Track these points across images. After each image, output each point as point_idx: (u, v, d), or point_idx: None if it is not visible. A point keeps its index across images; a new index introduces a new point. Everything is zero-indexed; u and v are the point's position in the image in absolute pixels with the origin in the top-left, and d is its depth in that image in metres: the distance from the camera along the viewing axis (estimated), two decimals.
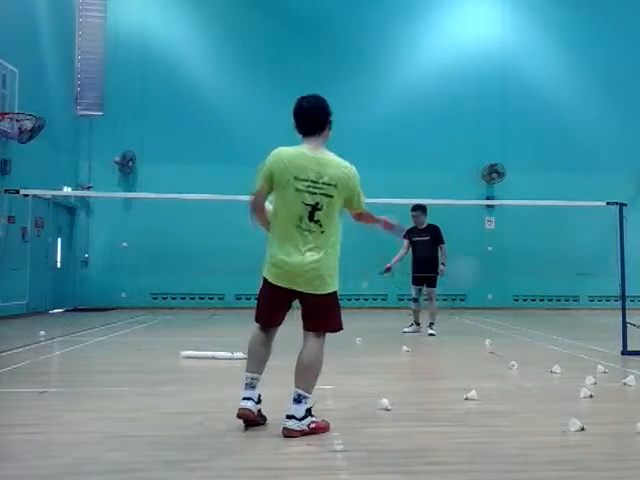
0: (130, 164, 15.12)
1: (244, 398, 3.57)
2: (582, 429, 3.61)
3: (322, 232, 3.58)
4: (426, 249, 9.22)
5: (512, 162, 15.63)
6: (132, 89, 15.19)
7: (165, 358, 6.59)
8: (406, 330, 9.34)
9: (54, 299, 13.79)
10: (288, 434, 3.44)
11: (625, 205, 7.40)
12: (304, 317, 3.66)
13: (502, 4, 16.49)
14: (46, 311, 13.24)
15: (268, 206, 3.77)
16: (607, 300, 15.19)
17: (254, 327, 3.74)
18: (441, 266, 9.19)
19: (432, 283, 9.26)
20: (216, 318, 12.36)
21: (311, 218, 3.56)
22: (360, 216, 3.88)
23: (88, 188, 14.95)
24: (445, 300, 14.33)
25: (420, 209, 9.29)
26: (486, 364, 6.45)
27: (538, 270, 15.14)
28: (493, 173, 15.94)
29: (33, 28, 12.96)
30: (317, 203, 3.56)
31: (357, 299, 15.24)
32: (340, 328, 3.74)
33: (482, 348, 7.50)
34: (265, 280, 3.68)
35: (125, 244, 14.87)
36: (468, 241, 14.86)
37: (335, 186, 3.59)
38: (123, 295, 14.90)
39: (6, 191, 7.86)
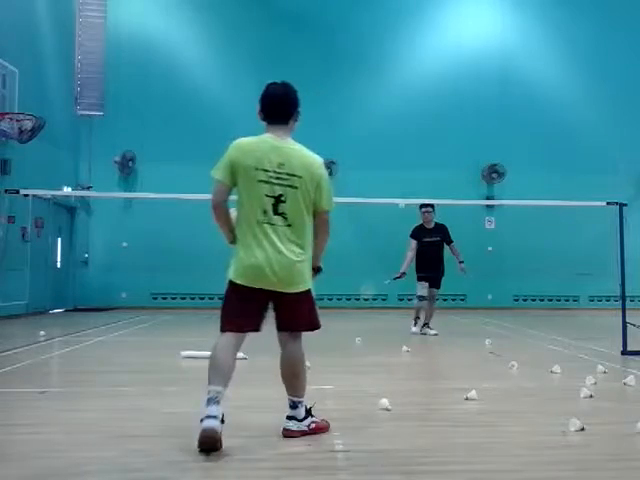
0: (130, 164, 15.12)
1: (208, 416, 3.12)
2: (582, 429, 3.60)
3: (288, 226, 3.34)
4: (437, 250, 9.09)
5: (512, 162, 15.63)
6: (132, 89, 15.20)
7: (165, 358, 6.59)
8: (416, 331, 9.11)
9: (54, 299, 13.79)
10: (288, 434, 3.43)
11: (625, 205, 7.40)
12: (278, 318, 3.47)
13: (502, 4, 16.49)
14: (46, 311, 13.25)
15: (233, 213, 3.51)
16: (607, 300, 15.20)
17: (222, 336, 3.39)
18: (461, 264, 9.08)
19: (438, 284, 9.18)
20: (215, 318, 12.36)
21: (275, 211, 3.33)
22: (326, 227, 3.51)
23: (88, 188, 14.95)
24: (445, 300, 14.33)
25: (431, 206, 9.16)
26: (486, 364, 6.44)
27: (538, 270, 15.14)
28: (493, 173, 15.94)
29: (33, 28, 12.96)
30: (280, 195, 3.33)
31: (357, 299, 15.25)
32: (318, 326, 3.55)
33: (482, 348, 7.50)
34: (231, 283, 3.42)
35: (125, 244, 14.87)
36: (468, 241, 14.83)
37: (300, 177, 3.34)
38: (123, 295, 14.91)
39: (6, 191, 7.87)
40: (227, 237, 3.51)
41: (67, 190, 14.28)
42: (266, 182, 3.32)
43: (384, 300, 15.21)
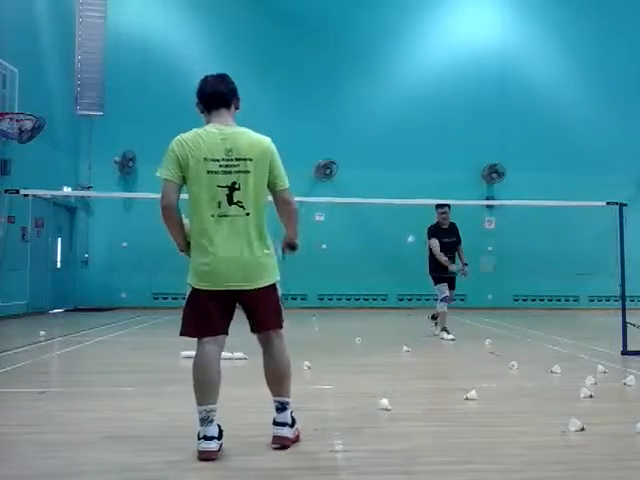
0: (130, 164, 15.12)
1: (206, 438, 3.09)
2: (582, 429, 3.60)
3: (247, 214, 3.17)
4: (452, 250, 8.85)
5: (512, 162, 15.64)
6: (132, 89, 15.19)
7: (165, 358, 6.59)
8: (449, 337, 8.53)
9: (54, 299, 13.79)
10: (282, 442, 3.25)
11: (625, 205, 7.39)
12: (248, 318, 3.29)
13: (502, 4, 16.50)
14: (46, 311, 13.24)
15: (185, 220, 3.35)
16: (607, 300, 15.20)
17: (198, 347, 3.21)
18: (465, 267, 8.90)
19: (454, 284, 8.93)
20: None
21: (230, 201, 3.16)
22: (289, 205, 3.32)
23: (88, 188, 14.95)
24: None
25: (448, 206, 8.88)
26: (486, 364, 6.44)
27: (538, 270, 15.14)
28: (493, 173, 15.94)
29: (33, 28, 12.96)
30: (234, 183, 3.16)
31: (357, 299, 15.24)
32: (280, 326, 3.31)
33: (482, 348, 7.50)
34: (193, 289, 3.23)
35: (125, 244, 14.87)
36: (468, 241, 14.82)
37: (250, 160, 3.18)
38: (123, 295, 14.91)
39: (6, 191, 7.86)
40: (179, 243, 3.37)
41: (67, 190, 14.27)
42: (216, 172, 3.16)
43: (384, 300, 15.21)
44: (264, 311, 3.26)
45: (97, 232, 15.24)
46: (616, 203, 7.40)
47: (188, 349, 6.62)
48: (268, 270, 3.25)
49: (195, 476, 2.91)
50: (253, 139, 3.26)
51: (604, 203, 7.64)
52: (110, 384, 5.22)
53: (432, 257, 8.82)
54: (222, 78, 3.47)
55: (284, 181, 3.31)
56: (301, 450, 3.27)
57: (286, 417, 3.31)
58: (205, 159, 3.18)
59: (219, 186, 3.16)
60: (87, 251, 15.26)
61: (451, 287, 8.89)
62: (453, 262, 8.86)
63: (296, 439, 3.35)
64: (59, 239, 14.62)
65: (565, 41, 16.24)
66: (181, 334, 3.27)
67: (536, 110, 15.95)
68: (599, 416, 4.06)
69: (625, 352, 6.92)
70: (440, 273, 8.76)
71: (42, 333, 8.64)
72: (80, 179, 15.23)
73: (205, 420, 3.12)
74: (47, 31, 13.57)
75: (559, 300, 15.95)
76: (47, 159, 12.96)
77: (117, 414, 4.05)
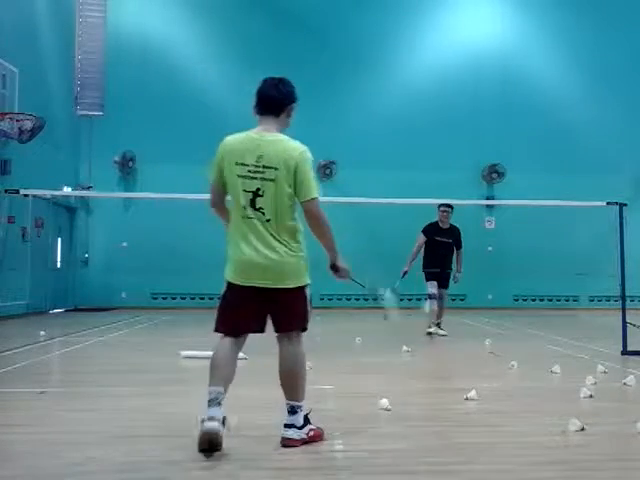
0: (130, 164, 15.13)
1: (210, 418, 3.08)
2: (582, 429, 3.60)
3: (267, 221, 3.24)
4: (447, 251, 9.00)
5: (512, 162, 15.64)
6: (132, 89, 15.20)
7: (165, 358, 6.59)
8: (442, 332, 8.87)
9: (54, 299, 13.79)
10: (289, 444, 3.27)
11: (625, 205, 7.39)
12: (273, 318, 3.36)
13: (502, 4, 16.51)
14: (46, 311, 13.25)
15: None
16: (607, 300, 15.19)
17: (220, 339, 3.33)
18: (457, 274, 9.02)
19: (446, 284, 9.06)
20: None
21: (253, 206, 3.25)
22: (313, 219, 3.32)
23: (88, 188, 14.95)
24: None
25: (450, 207, 8.99)
26: (486, 364, 6.44)
27: (538, 270, 15.14)
28: (493, 173, 15.94)
29: (33, 28, 12.96)
30: (258, 189, 3.24)
31: (357, 299, 15.24)
32: (304, 328, 3.38)
33: (482, 348, 7.50)
34: (228, 283, 3.36)
35: (125, 244, 14.87)
36: (468, 241, 14.82)
37: (276, 169, 3.23)
38: (123, 295, 14.91)
39: (6, 191, 7.87)
40: (226, 222, 3.51)
41: (67, 190, 14.28)
42: (244, 176, 3.26)
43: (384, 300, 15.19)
44: (285, 312, 3.33)
45: (97, 232, 15.24)
46: (616, 203, 7.40)
47: (188, 349, 6.64)
48: (293, 272, 3.30)
49: (195, 476, 2.90)
50: (282, 148, 3.28)
51: (604, 203, 7.64)
52: (110, 384, 5.22)
53: (424, 254, 9.01)
54: (277, 84, 3.43)
55: (309, 192, 3.29)
56: (301, 450, 3.26)
57: (294, 419, 3.32)
58: (236, 163, 3.28)
59: (244, 190, 3.27)
60: (87, 251, 15.26)
61: (443, 286, 9.01)
62: (448, 262, 8.96)
63: (313, 438, 3.35)
64: (59, 239, 14.62)
65: (565, 41, 16.24)
66: (216, 329, 3.36)
67: (536, 110, 15.95)
68: (599, 416, 4.06)
69: (625, 352, 6.92)
70: (427, 268, 8.98)
71: (42, 333, 8.64)
72: (80, 179, 15.24)
73: (213, 401, 3.15)
74: (47, 31, 13.58)
75: (559, 300, 15.95)
76: (47, 159, 12.96)
77: (117, 414, 4.06)
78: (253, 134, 3.34)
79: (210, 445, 3.06)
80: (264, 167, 3.24)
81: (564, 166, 15.52)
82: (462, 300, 15.43)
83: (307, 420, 3.38)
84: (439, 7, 16.39)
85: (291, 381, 3.34)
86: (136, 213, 14.87)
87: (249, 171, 3.25)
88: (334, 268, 3.48)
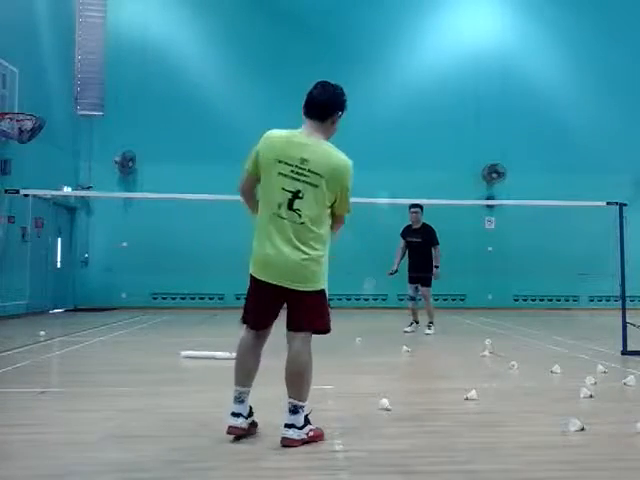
0: (130, 164, 15.12)
1: (233, 414, 3.38)
2: (582, 429, 3.60)
3: (301, 223, 3.28)
4: (418, 250, 9.33)
5: (512, 162, 15.64)
6: (132, 89, 15.19)
7: (165, 358, 6.59)
8: (407, 330, 9.35)
9: (54, 299, 13.79)
10: (288, 444, 3.28)
11: (625, 205, 7.39)
12: (288, 316, 3.43)
13: (502, 4, 16.50)
14: (46, 311, 13.24)
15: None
16: (607, 300, 15.20)
17: (243, 332, 3.50)
18: (435, 269, 9.25)
19: (426, 282, 9.32)
20: (216, 318, 12.35)
21: (290, 206, 3.28)
22: (338, 229, 3.57)
23: (88, 188, 14.95)
24: (445, 300, 14.34)
25: (419, 207, 9.35)
26: (486, 364, 6.45)
27: (538, 270, 15.14)
28: (493, 173, 15.94)
29: (33, 28, 12.96)
30: (299, 191, 3.27)
31: (357, 299, 15.25)
32: (327, 330, 3.48)
33: (482, 348, 7.49)
34: (251, 276, 3.45)
35: (125, 244, 14.87)
36: (468, 241, 14.88)
37: (321, 176, 3.28)
38: (123, 295, 14.91)
39: (6, 191, 7.86)
40: (251, 209, 3.55)
41: (67, 190, 14.28)
42: (285, 175, 3.28)
43: (384, 300, 15.21)
44: (299, 313, 3.38)
45: (97, 232, 15.24)
46: (616, 203, 7.40)
47: (188, 349, 6.64)
48: (313, 276, 3.35)
49: (195, 476, 2.91)
50: (333, 159, 3.35)
51: (604, 203, 7.64)
52: (110, 384, 5.22)
53: (407, 257, 9.46)
54: (329, 90, 3.45)
55: (347, 207, 3.48)
56: (301, 450, 3.27)
57: (295, 419, 3.32)
58: (279, 161, 3.29)
59: (284, 189, 3.28)
60: (87, 251, 15.26)
61: (425, 284, 9.31)
62: (425, 261, 9.24)
63: (313, 438, 3.38)
64: (59, 239, 14.62)
65: (565, 41, 16.24)
66: (242, 321, 3.50)
67: (536, 110, 15.95)
68: (599, 416, 4.06)
69: (625, 352, 6.92)
70: (409, 272, 9.43)
71: (42, 333, 8.64)
72: (80, 179, 15.23)
73: (237, 399, 3.39)
74: (47, 31, 13.57)
75: (559, 300, 15.95)
76: (47, 159, 12.96)
77: (117, 414, 4.05)
78: (299, 134, 3.38)
79: (235, 437, 3.37)
80: (309, 171, 3.28)
81: (564, 166, 15.52)
82: (462, 300, 15.45)
83: (307, 420, 3.39)
84: (439, 7, 16.39)
85: (297, 380, 3.36)
86: (136, 213, 14.87)
87: (292, 171, 3.28)
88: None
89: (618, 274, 7.46)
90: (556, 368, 5.71)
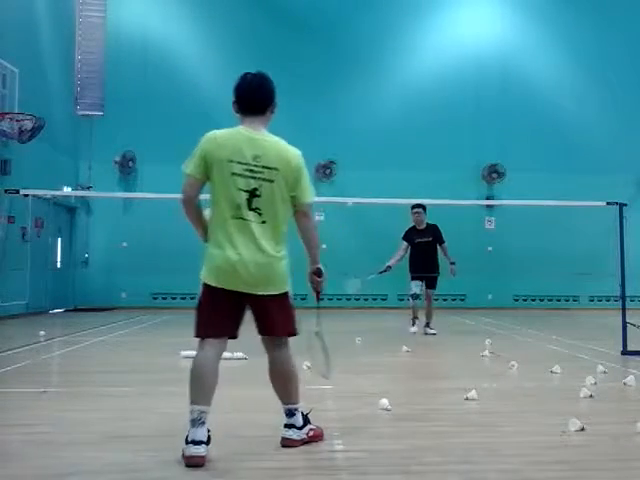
0: (130, 164, 15.12)
1: (195, 442, 2.99)
2: (582, 429, 3.60)
3: (262, 222, 3.15)
4: (428, 250, 9.19)
5: (512, 162, 15.63)
6: (132, 89, 15.19)
7: (165, 358, 6.59)
8: (413, 330, 9.19)
9: (54, 299, 13.79)
10: (288, 444, 3.27)
11: (625, 205, 7.39)
12: (257, 322, 3.27)
13: (502, 4, 16.50)
14: (46, 311, 13.24)
15: (206, 211, 3.31)
16: (607, 300, 15.19)
17: (199, 346, 3.19)
18: (452, 266, 9.17)
19: (433, 284, 9.24)
20: None
21: (249, 206, 3.13)
22: (309, 222, 3.31)
23: (88, 188, 14.95)
24: (445, 300, 14.32)
25: (422, 207, 9.23)
26: (486, 364, 6.45)
27: (538, 270, 15.13)
28: (493, 173, 15.94)
29: (33, 28, 12.96)
30: (255, 189, 3.14)
31: (357, 299, 15.23)
32: (294, 333, 3.31)
33: (482, 348, 7.49)
34: (205, 285, 3.24)
35: (125, 244, 14.87)
36: (468, 241, 14.86)
37: (277, 169, 3.15)
38: (123, 295, 14.91)
39: (6, 191, 7.87)
40: (200, 235, 3.33)
41: (67, 190, 14.28)
42: (240, 175, 3.13)
43: (384, 300, 15.21)
44: (270, 318, 3.23)
45: (97, 232, 15.24)
46: (616, 203, 7.40)
47: (188, 349, 6.63)
48: (280, 277, 3.23)
49: (195, 476, 2.90)
50: (283, 150, 3.24)
51: (604, 203, 7.64)
52: (110, 384, 5.22)
53: (410, 259, 9.31)
54: (262, 82, 3.34)
55: (308, 195, 3.29)
56: (301, 450, 3.27)
57: (294, 420, 3.31)
58: (231, 160, 3.15)
59: (240, 189, 3.14)
60: (87, 251, 15.26)
61: (428, 286, 9.18)
62: (433, 262, 9.17)
63: (313, 438, 3.35)
64: (59, 239, 14.62)
65: (565, 41, 16.24)
66: (196, 335, 3.23)
67: (536, 110, 15.95)
68: (599, 416, 4.07)
69: (625, 352, 6.92)
70: (414, 272, 9.26)
71: (42, 333, 8.64)
72: (80, 179, 15.23)
73: (197, 421, 3.03)
74: (47, 31, 13.57)
75: (559, 300, 15.95)
76: (47, 159, 12.96)
77: (117, 414, 4.05)
78: (244, 131, 3.24)
79: (195, 466, 2.98)
80: (263, 167, 3.15)
81: (564, 166, 15.52)
82: (462, 300, 15.45)
83: (307, 420, 3.38)
84: (439, 7, 16.39)
85: (285, 385, 3.31)
86: (136, 213, 14.87)
87: (245, 169, 3.14)
88: (319, 273, 3.41)
89: (618, 274, 7.47)
90: (556, 368, 5.71)
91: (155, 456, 3.14)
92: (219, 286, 3.17)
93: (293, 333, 3.31)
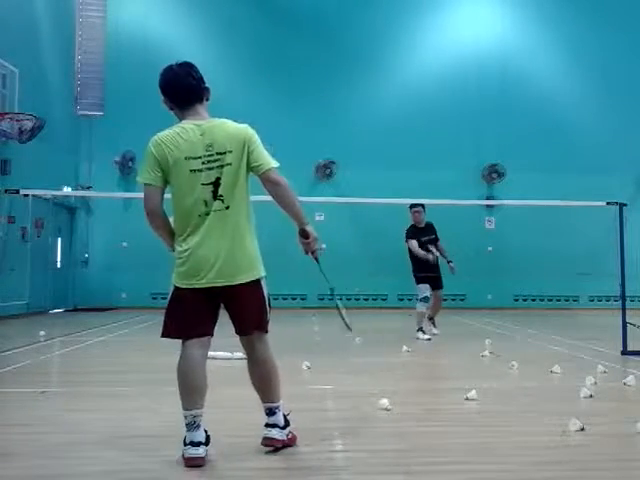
0: (130, 164, 15.12)
1: (193, 444, 2.99)
2: (582, 429, 3.60)
3: (227, 208, 3.06)
4: (430, 249, 8.88)
5: (512, 162, 15.64)
6: (132, 89, 15.16)
7: (165, 358, 6.56)
8: (427, 337, 8.55)
9: (54, 299, 13.79)
10: (270, 444, 3.17)
11: (625, 205, 7.39)
12: (233, 319, 3.16)
13: (502, 4, 16.50)
14: (46, 311, 13.25)
15: (171, 219, 3.21)
16: (607, 300, 15.19)
17: (181, 351, 3.18)
18: (450, 264, 8.88)
19: (441, 284, 8.95)
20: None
21: (215, 197, 3.05)
22: (279, 186, 3.12)
23: (88, 188, 14.95)
24: (445, 300, 14.28)
25: (422, 206, 8.98)
26: (486, 364, 6.45)
27: (538, 270, 15.14)
28: (493, 173, 15.94)
29: (33, 28, 12.96)
30: (218, 178, 3.05)
31: (357, 299, 15.24)
32: (263, 329, 3.18)
33: (482, 348, 7.49)
34: (175, 288, 3.17)
35: (125, 244, 14.87)
36: (468, 241, 14.86)
37: (230, 151, 3.07)
38: (123, 295, 14.91)
39: (6, 191, 7.85)
40: (169, 245, 3.24)
41: (67, 190, 14.28)
42: (199, 170, 3.05)
43: (384, 300, 15.21)
44: (245, 311, 3.13)
45: (97, 232, 15.25)
46: (616, 203, 7.39)
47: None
48: (250, 264, 3.12)
49: (194, 476, 2.90)
50: (230, 129, 3.13)
51: (604, 203, 7.63)
52: (110, 384, 5.22)
53: (413, 258, 8.81)
54: (188, 70, 3.19)
55: (266, 161, 3.13)
56: (301, 450, 3.26)
57: (275, 419, 3.23)
58: (186, 158, 3.05)
59: (203, 184, 3.05)
60: (87, 251, 15.26)
61: (438, 287, 8.90)
62: (437, 261, 8.92)
63: (290, 441, 3.27)
64: (59, 239, 14.62)
65: (565, 41, 16.24)
66: (162, 335, 3.20)
67: (536, 110, 15.95)
68: (599, 416, 4.06)
69: (625, 352, 6.92)
70: (421, 273, 8.74)
71: (42, 333, 8.64)
72: (80, 179, 15.23)
73: (192, 425, 3.02)
74: (47, 31, 13.58)
75: (559, 300, 15.95)
76: (47, 159, 12.95)
77: (117, 414, 4.06)
78: (189, 125, 3.12)
79: (195, 467, 2.99)
80: (217, 154, 3.06)
81: (564, 166, 15.51)
82: (462, 300, 15.44)
83: (287, 422, 3.30)
84: (439, 7, 16.39)
85: (267, 383, 3.22)
86: (136, 213, 14.68)
87: (203, 163, 3.05)
88: (304, 234, 3.27)
89: (618, 274, 7.46)
90: (556, 368, 5.71)
91: (155, 456, 3.15)
92: (188, 286, 3.11)
93: (262, 329, 3.18)
